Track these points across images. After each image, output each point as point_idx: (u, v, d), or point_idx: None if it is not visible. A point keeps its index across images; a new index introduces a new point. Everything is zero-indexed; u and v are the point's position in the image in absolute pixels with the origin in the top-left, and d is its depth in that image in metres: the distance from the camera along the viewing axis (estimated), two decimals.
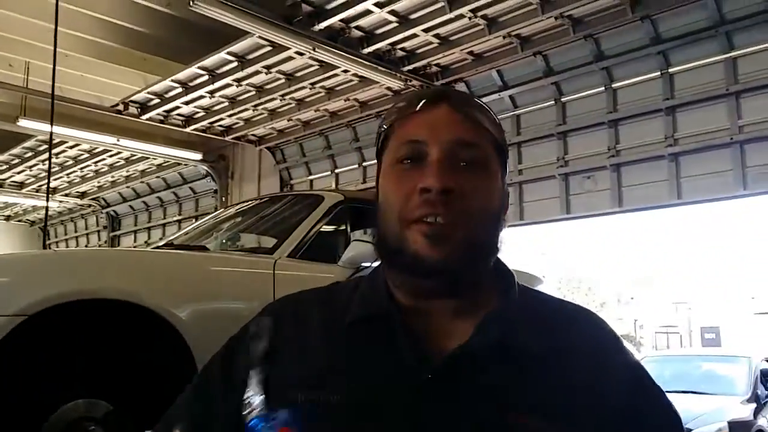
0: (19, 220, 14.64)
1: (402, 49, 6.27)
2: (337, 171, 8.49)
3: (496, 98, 6.68)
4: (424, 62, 6.43)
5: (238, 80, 7.05)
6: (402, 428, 0.72)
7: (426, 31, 5.84)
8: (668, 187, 5.64)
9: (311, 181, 8.80)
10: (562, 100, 6.40)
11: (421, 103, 0.82)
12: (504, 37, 5.94)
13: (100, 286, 2.35)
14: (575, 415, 0.72)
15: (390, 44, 6.10)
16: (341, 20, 5.66)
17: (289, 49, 6.07)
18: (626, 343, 0.86)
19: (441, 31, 5.93)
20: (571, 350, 0.78)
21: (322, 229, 3.17)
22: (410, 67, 6.46)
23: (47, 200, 4.87)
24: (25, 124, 7.57)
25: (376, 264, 0.88)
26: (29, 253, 3.11)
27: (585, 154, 6.25)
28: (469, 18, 5.59)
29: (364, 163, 8.10)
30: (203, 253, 3.09)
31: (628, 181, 5.95)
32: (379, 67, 6.29)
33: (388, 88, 7.01)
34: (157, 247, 3.79)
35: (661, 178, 5.70)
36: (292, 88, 7.19)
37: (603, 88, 6.08)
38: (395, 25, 5.81)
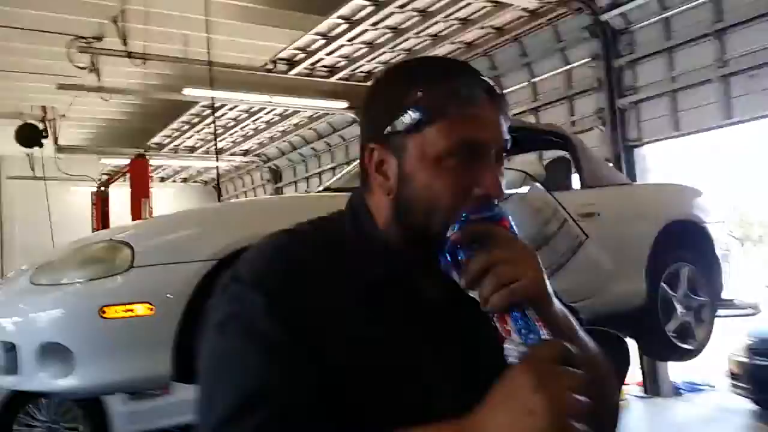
0: (194, 182, 16.16)
1: None
2: None
3: (642, 2, 6.24)
4: None
5: (375, 24, 7.21)
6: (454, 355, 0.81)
7: None
8: None
9: None
10: None
11: (480, 97, 0.80)
12: None
13: (277, 228, 2.62)
14: None
15: None
16: None
17: None
18: None
19: None
20: None
21: None
22: None
23: (216, 160, 5.36)
24: (188, 92, 8.29)
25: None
26: (213, 206, 3.52)
27: (748, 50, 5.71)
28: None
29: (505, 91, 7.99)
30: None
31: None
32: None
33: (524, 9, 6.83)
34: (319, 192, 4.14)
35: None
36: (427, 24, 7.22)
37: None
38: None
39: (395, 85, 0.84)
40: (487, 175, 0.79)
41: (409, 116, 0.80)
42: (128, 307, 2.25)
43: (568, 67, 7.17)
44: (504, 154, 0.83)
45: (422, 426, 0.70)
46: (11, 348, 2.30)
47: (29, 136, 10.24)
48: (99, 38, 7.46)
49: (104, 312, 2.23)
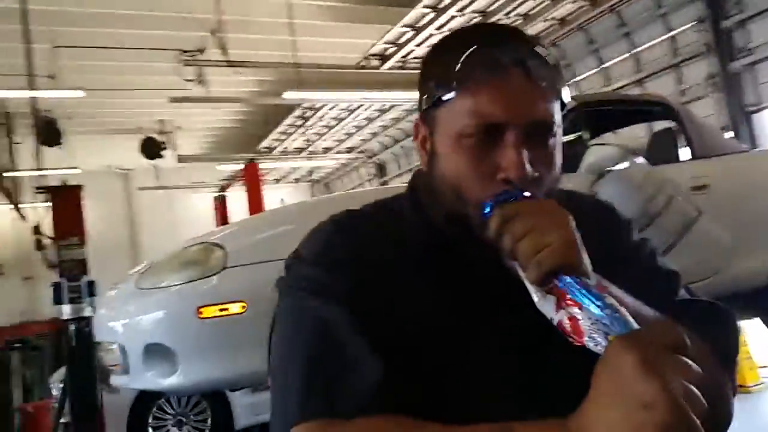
0: (307, 181, 16.68)
1: None
2: None
3: None
4: None
5: (461, 9, 7.09)
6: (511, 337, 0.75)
7: None
8: None
9: None
10: None
11: (493, 68, 0.72)
12: None
13: None
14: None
15: None
16: None
17: None
18: None
19: None
20: (595, 231, 0.77)
21: None
22: None
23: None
24: (288, 95, 8.53)
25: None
26: (303, 202, 3.60)
27: None
28: None
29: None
30: None
31: None
32: None
33: None
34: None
35: None
36: (516, 2, 7.03)
37: None
38: None
39: (430, 58, 0.80)
40: (506, 155, 0.72)
41: (432, 89, 0.76)
42: (223, 306, 2.33)
43: (672, 33, 6.70)
44: (551, 131, 0.75)
45: (522, 423, 0.64)
46: (123, 349, 2.45)
47: (151, 148, 11.03)
48: (201, 50, 7.87)
49: (201, 312, 2.33)
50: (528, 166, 0.71)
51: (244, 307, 2.35)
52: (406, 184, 0.88)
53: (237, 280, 2.39)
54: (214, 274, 2.39)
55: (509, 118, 0.72)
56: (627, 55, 7.26)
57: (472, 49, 0.73)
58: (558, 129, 0.76)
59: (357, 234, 0.80)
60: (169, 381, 2.35)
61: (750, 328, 5.42)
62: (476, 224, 0.73)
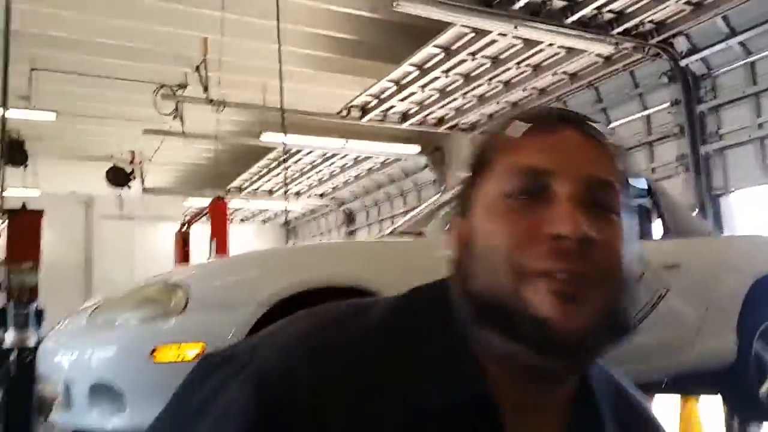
0: (274, 222, 16.56)
1: (610, 11, 5.93)
2: None
3: (724, 47, 5.99)
4: (635, 21, 6.01)
5: (446, 71, 7.24)
6: None
7: None
8: None
9: None
10: None
11: (540, 123, 0.63)
12: None
13: (335, 273, 2.54)
14: None
15: (596, 8, 5.81)
16: None
17: (491, 32, 6.10)
18: None
19: None
20: None
21: None
22: (620, 29, 6.08)
23: (286, 198, 5.44)
24: (266, 138, 8.55)
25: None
26: (271, 249, 3.53)
27: None
28: None
29: None
30: (421, 238, 3.27)
31: None
32: (586, 34, 6.02)
33: (599, 55, 6.70)
34: (382, 237, 4.08)
35: None
36: (498, 71, 7.19)
37: None
38: None
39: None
40: (558, 211, 0.58)
41: (476, 163, 0.65)
42: (179, 349, 2.22)
43: (647, 112, 6.93)
44: (613, 205, 0.61)
45: None
46: (68, 385, 2.32)
47: (118, 177, 10.85)
48: (183, 86, 7.85)
49: (155, 354, 2.21)
50: (585, 224, 0.57)
51: (201, 351, 2.24)
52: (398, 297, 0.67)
53: (197, 324, 2.29)
54: (174, 315, 2.29)
55: (562, 168, 0.60)
56: None
57: (516, 116, 0.64)
58: (628, 218, 0.62)
59: (334, 371, 0.58)
60: (114, 422, 2.22)
61: (708, 406, 5.46)
62: (515, 305, 0.57)
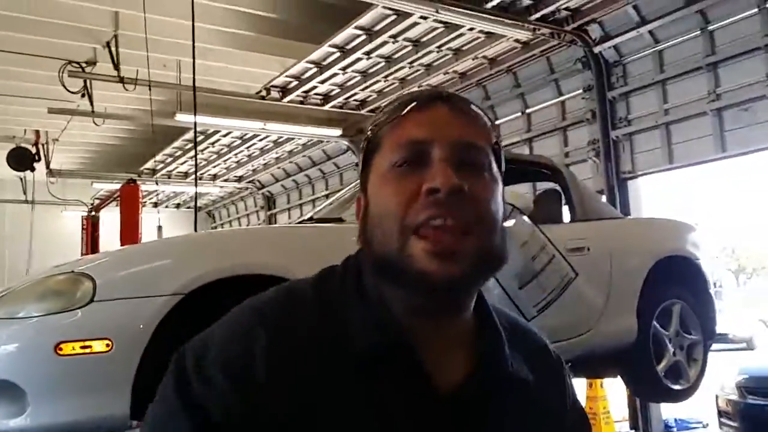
0: (188, 207, 16.06)
1: None
2: None
3: (635, 35, 6.24)
4: (552, 8, 6.15)
5: (368, 53, 7.19)
6: None
7: None
8: None
9: None
10: (709, 28, 5.84)
11: (416, 103, 0.75)
12: None
13: (250, 261, 2.48)
14: None
15: None
16: None
17: (412, 15, 6.09)
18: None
19: None
20: (542, 378, 0.81)
21: None
22: (538, 15, 6.21)
23: (196, 185, 5.29)
24: (181, 118, 8.25)
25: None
26: (183, 237, 3.41)
27: (741, 84, 5.67)
28: None
29: (497, 122, 7.97)
30: (339, 225, 3.25)
31: None
32: (505, 20, 6.12)
33: (517, 41, 6.84)
34: (300, 222, 4.03)
35: None
36: (420, 54, 7.20)
37: (756, 10, 5.46)
38: None
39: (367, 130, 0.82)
40: (433, 170, 0.70)
41: (366, 147, 0.77)
42: (85, 343, 2.13)
43: (562, 98, 7.14)
44: (483, 164, 0.74)
45: None
46: None
47: (21, 159, 10.22)
48: (92, 63, 7.45)
49: (60, 349, 2.11)
50: (455, 177, 0.69)
51: (108, 345, 2.15)
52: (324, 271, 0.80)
53: (104, 316, 2.19)
54: (79, 308, 2.18)
55: (435, 137, 0.72)
56: (519, 114, 7.60)
57: (399, 101, 0.76)
58: (494, 174, 0.75)
59: (289, 344, 0.69)
60: (15, 422, 2.10)
61: (610, 385, 5.77)
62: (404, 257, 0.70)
